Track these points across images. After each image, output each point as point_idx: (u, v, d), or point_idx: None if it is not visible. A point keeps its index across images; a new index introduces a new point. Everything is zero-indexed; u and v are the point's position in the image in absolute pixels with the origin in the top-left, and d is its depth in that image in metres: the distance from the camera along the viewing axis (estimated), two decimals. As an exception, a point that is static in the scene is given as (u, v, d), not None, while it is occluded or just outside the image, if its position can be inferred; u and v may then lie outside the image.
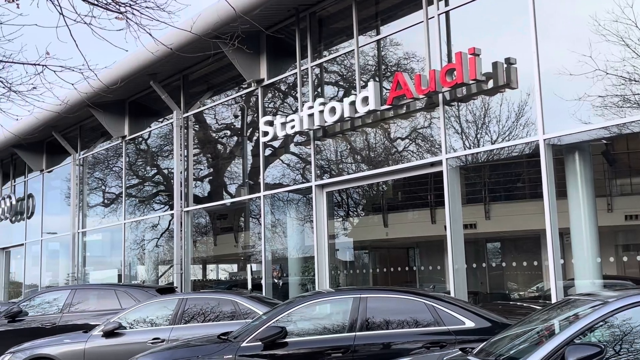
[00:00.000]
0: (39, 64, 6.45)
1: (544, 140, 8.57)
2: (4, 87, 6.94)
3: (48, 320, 10.82)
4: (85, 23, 5.74)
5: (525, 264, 10.76)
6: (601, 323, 4.26)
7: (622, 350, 4.18)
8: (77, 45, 5.88)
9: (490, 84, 9.11)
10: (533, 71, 8.71)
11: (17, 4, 6.00)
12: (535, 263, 10.39)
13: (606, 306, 4.32)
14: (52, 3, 5.68)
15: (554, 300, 8.26)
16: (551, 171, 8.58)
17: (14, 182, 23.82)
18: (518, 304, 10.79)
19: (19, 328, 10.97)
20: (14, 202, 22.84)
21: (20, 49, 6.59)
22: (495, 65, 8.98)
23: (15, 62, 6.64)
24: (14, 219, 23.02)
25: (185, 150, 15.20)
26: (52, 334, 9.85)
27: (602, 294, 4.99)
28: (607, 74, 8.08)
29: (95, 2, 5.76)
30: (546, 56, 8.67)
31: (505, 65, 8.98)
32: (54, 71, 6.41)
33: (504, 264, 13.31)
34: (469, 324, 6.20)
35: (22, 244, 22.72)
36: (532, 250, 11.36)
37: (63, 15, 5.72)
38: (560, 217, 8.58)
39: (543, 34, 8.72)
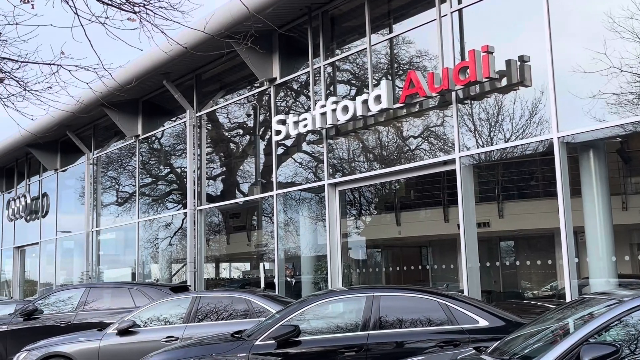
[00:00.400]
0: (54, 64, 6.48)
1: (558, 138, 8.52)
2: (19, 87, 6.99)
3: (63, 319, 10.90)
4: (100, 23, 5.77)
5: (539, 262, 10.70)
6: (616, 322, 4.24)
7: (637, 349, 4.15)
8: (91, 45, 5.92)
9: (504, 81, 9.07)
10: (547, 69, 8.66)
11: (32, 4, 6.03)
12: (550, 262, 10.34)
13: (621, 305, 4.29)
14: (67, 3, 5.72)
15: (568, 299, 8.21)
16: (565, 169, 8.53)
17: (29, 181, 24.02)
18: (532, 303, 10.74)
19: (34, 326, 11.08)
20: (28, 201, 23.04)
21: (35, 49, 6.62)
22: (508, 62, 8.94)
23: (30, 62, 6.69)
24: (28, 217, 23.22)
25: (198, 149, 15.25)
26: (66, 332, 9.92)
27: (618, 293, 4.96)
28: (622, 71, 8.02)
29: (109, 2, 5.79)
30: (560, 54, 8.61)
31: (518, 63, 8.93)
32: (69, 70, 6.45)
33: (517, 263, 13.25)
34: (483, 322, 6.18)
35: (37, 243, 22.92)
36: (546, 248, 11.31)
37: (78, 16, 5.75)
38: (575, 216, 8.52)
39: (557, 31, 8.67)
